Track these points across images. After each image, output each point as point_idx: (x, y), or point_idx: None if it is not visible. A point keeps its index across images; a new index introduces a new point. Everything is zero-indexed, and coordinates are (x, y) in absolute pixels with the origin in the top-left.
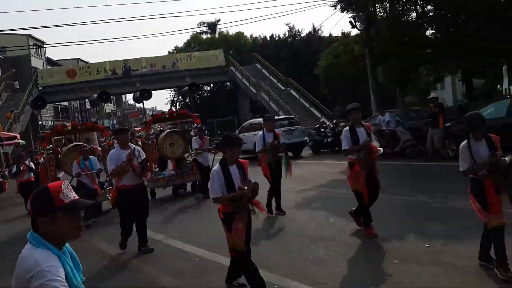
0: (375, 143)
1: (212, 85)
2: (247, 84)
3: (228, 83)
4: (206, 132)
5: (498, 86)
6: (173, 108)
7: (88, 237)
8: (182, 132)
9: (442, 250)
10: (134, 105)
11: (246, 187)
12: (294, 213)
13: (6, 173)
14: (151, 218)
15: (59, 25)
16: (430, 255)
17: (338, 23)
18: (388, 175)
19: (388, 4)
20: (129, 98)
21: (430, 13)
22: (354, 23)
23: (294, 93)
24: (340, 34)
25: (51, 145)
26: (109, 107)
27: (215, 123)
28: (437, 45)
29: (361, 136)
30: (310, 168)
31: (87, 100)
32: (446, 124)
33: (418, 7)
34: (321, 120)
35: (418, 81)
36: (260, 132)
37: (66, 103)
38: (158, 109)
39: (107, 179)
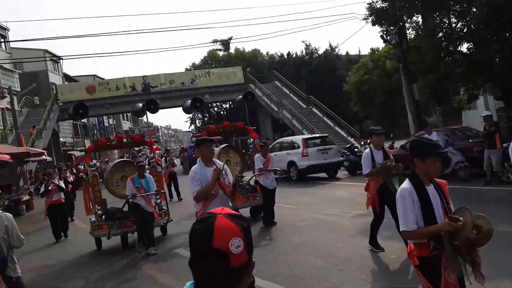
0: None
1: (230, 102)
2: (268, 102)
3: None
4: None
5: None
6: (193, 126)
7: (140, 264)
8: (236, 148)
9: None
10: (152, 123)
11: (461, 218)
12: (364, 242)
13: (32, 190)
14: None
15: (74, 36)
16: None
17: (356, 38)
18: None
19: (420, 19)
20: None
21: (464, 29)
22: (385, 38)
23: (317, 111)
24: (357, 52)
25: (94, 161)
26: (126, 125)
27: (239, 141)
28: (472, 61)
29: None
30: (354, 190)
31: (105, 117)
32: (504, 145)
33: (452, 22)
34: (352, 140)
35: (452, 100)
36: (367, 150)
37: (84, 120)
38: (173, 127)
39: (158, 201)
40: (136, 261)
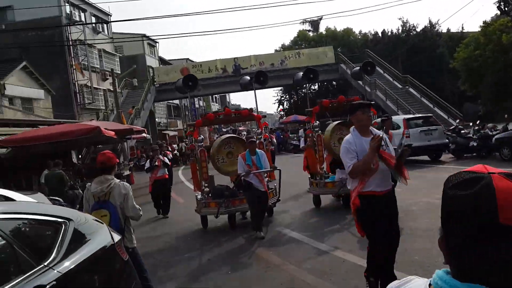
0: None
1: (318, 83)
2: (360, 82)
3: (334, 82)
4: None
5: None
6: (281, 107)
7: (246, 242)
8: (351, 124)
9: None
10: (239, 105)
11: None
12: None
13: (132, 165)
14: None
15: (167, 16)
16: None
17: (459, 15)
18: None
19: None
20: (232, 97)
21: None
22: (503, 9)
23: (414, 92)
24: (460, 29)
25: (201, 136)
26: (215, 106)
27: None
28: None
29: None
30: None
31: (196, 99)
32: None
33: None
34: (457, 121)
35: None
36: None
37: (177, 101)
38: (259, 109)
39: (265, 179)
40: (242, 239)
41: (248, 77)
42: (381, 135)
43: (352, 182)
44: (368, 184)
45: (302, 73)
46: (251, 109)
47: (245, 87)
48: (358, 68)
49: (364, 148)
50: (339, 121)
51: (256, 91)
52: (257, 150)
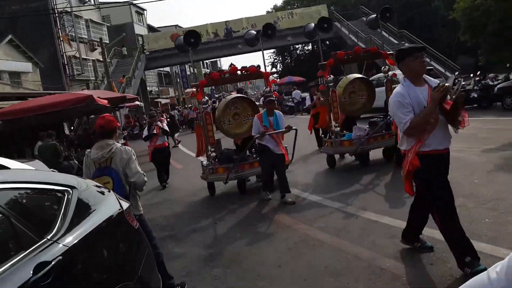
0: None
1: (310, 45)
2: (356, 40)
3: (327, 42)
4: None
5: None
6: (274, 69)
7: (262, 209)
8: (367, 79)
9: None
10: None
11: None
12: (506, 178)
13: (125, 134)
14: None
15: None
16: None
17: None
18: None
19: None
20: (223, 62)
21: None
22: None
23: None
24: None
25: (206, 97)
26: (204, 71)
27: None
28: None
29: None
30: (471, 124)
31: (186, 66)
32: None
33: None
34: (456, 73)
35: None
36: None
37: (168, 69)
38: None
39: None
40: (251, 204)
41: (254, 31)
42: (447, 84)
43: (407, 141)
44: (428, 143)
45: (313, 24)
46: (258, 66)
47: (251, 42)
48: (375, 16)
49: (420, 100)
50: (359, 76)
51: (246, 54)
52: (275, 110)
